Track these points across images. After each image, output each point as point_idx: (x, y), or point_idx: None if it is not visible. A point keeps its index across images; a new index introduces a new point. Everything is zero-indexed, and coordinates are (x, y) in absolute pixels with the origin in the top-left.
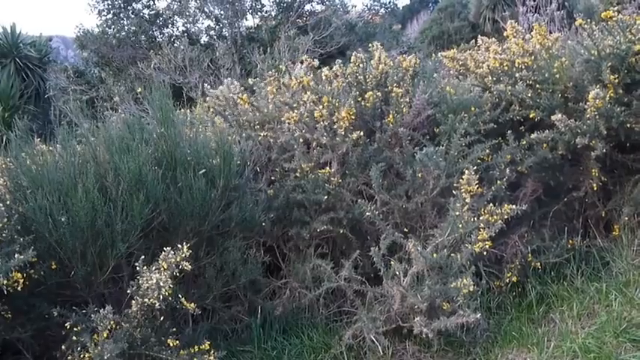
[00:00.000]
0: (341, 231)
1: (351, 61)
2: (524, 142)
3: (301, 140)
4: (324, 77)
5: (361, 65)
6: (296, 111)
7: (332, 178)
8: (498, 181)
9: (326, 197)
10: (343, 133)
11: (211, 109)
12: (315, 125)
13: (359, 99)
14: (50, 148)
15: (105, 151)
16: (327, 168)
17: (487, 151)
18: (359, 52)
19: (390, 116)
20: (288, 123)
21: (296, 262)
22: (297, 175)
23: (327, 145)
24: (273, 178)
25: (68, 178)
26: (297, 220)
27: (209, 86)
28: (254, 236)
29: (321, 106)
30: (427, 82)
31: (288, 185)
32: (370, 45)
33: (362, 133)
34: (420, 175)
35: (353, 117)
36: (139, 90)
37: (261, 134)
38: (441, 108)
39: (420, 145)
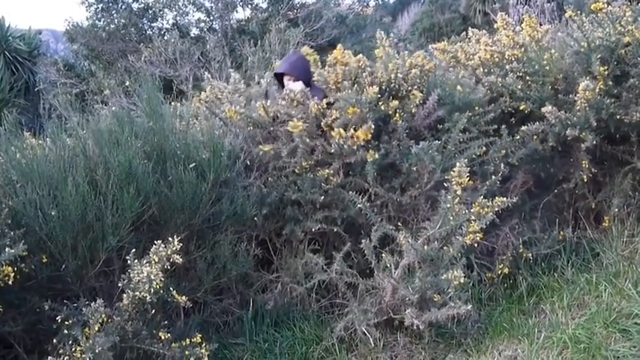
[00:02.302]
0: (335, 230)
1: (390, 69)
2: (518, 137)
3: (307, 140)
4: (366, 96)
5: (400, 75)
6: (302, 120)
7: (331, 179)
8: (493, 176)
9: (322, 197)
10: (355, 148)
11: (202, 107)
12: (319, 132)
13: (379, 104)
14: (40, 141)
15: (94, 144)
16: (327, 169)
17: (484, 148)
18: (393, 58)
19: (397, 115)
20: (299, 135)
21: (288, 257)
22: (296, 170)
23: (334, 154)
24: (269, 178)
25: (58, 172)
26: (291, 217)
27: (210, 75)
28: (245, 230)
29: (336, 124)
30: (439, 82)
31: (282, 183)
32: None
33: (377, 155)
34: (415, 168)
35: (370, 136)
36: (127, 83)
37: (263, 148)
38: (446, 108)
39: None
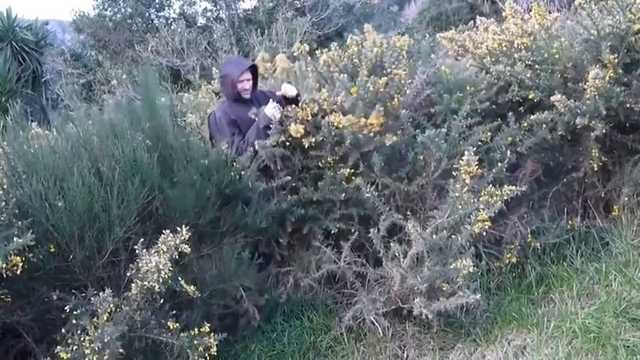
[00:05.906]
0: (352, 230)
1: (347, 44)
2: (526, 124)
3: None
4: (321, 62)
5: (356, 48)
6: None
7: (353, 178)
8: (499, 164)
9: (343, 195)
10: (372, 135)
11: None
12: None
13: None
14: (46, 131)
15: (99, 135)
16: (348, 169)
17: (488, 133)
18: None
19: (396, 100)
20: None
21: (300, 251)
22: (320, 164)
23: (352, 143)
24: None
25: (64, 163)
26: (311, 217)
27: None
28: (256, 236)
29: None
30: (424, 62)
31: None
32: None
33: (395, 138)
34: (421, 157)
35: (382, 122)
36: (124, 77)
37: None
38: (437, 88)
39: (421, 126)
